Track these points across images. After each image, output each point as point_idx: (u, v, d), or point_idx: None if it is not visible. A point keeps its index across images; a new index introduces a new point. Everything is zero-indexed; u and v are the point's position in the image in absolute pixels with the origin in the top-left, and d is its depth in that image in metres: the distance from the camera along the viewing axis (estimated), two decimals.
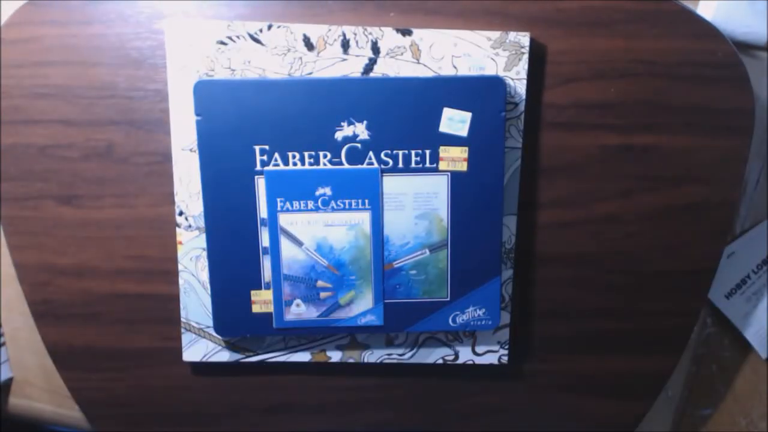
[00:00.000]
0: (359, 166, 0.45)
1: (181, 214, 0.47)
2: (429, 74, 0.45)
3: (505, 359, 0.50)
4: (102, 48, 0.45)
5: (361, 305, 0.47)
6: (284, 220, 0.46)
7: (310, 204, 0.45)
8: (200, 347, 0.49)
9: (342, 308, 0.47)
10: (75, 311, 0.49)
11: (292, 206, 0.45)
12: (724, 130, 0.48)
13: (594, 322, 0.50)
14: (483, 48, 0.45)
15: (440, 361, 0.51)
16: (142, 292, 0.49)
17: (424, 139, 0.44)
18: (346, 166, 0.45)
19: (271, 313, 0.47)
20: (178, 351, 0.49)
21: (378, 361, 0.50)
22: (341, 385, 0.51)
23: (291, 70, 0.45)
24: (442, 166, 0.44)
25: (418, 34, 0.45)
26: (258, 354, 0.49)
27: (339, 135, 0.45)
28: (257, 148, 0.45)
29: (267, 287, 0.47)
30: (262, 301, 0.47)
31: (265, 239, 0.46)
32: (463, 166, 0.43)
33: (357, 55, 0.45)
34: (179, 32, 0.45)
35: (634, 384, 0.52)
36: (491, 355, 0.50)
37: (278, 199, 0.45)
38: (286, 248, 0.46)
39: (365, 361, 0.50)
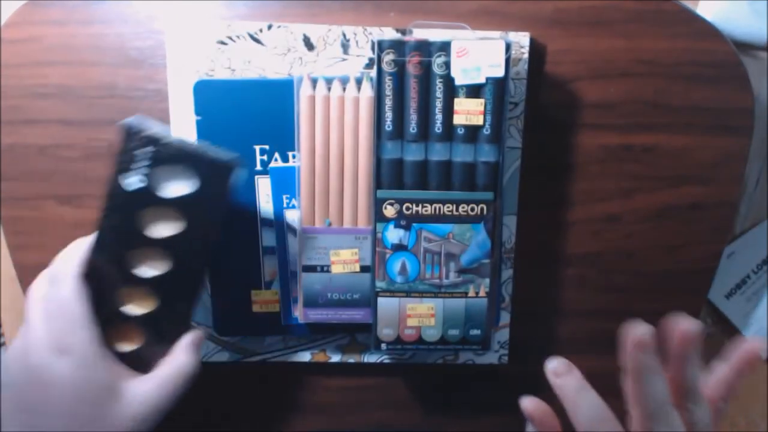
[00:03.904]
0: None
1: None
2: None
3: (505, 359, 0.50)
4: (102, 48, 0.45)
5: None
6: (290, 216, 0.46)
7: None
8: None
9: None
10: None
11: (298, 203, 0.45)
12: (724, 130, 0.48)
13: (594, 322, 0.50)
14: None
15: (440, 361, 0.51)
16: None
17: None
18: None
19: (271, 313, 0.48)
20: None
21: (378, 361, 0.50)
22: (341, 385, 0.51)
23: (291, 70, 0.45)
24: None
25: (418, 34, 0.45)
26: (258, 354, 0.49)
27: None
28: (257, 148, 0.45)
29: (267, 287, 0.47)
30: (262, 301, 0.47)
31: (265, 239, 0.46)
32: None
33: (357, 55, 0.45)
34: (179, 32, 0.45)
35: None
36: (491, 355, 0.50)
37: (284, 196, 0.45)
38: (293, 245, 0.46)
39: (365, 361, 0.50)
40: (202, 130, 0.45)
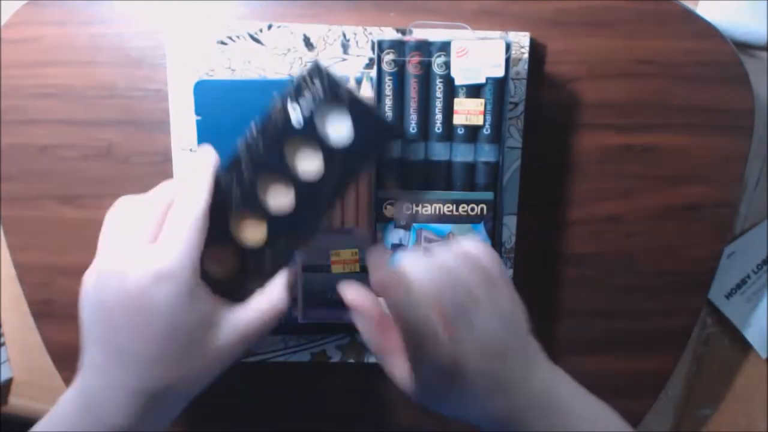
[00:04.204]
0: None
1: None
2: None
3: None
4: (102, 48, 0.45)
5: None
6: None
7: None
8: None
9: None
10: (75, 311, 0.48)
11: None
12: (724, 130, 0.48)
13: (594, 322, 0.50)
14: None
15: None
16: None
17: None
18: None
19: None
20: None
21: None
22: (341, 385, 0.51)
23: (291, 70, 0.45)
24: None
25: (418, 34, 0.45)
26: (258, 354, 0.49)
27: None
28: None
29: None
30: None
31: None
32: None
33: (357, 55, 0.45)
34: (179, 32, 0.45)
35: (634, 384, 0.52)
36: None
37: None
38: None
39: (365, 361, 0.50)
40: (202, 130, 0.45)
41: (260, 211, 0.38)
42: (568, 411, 0.37)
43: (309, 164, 0.38)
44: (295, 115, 0.37)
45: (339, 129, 0.38)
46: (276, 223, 0.38)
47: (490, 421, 0.36)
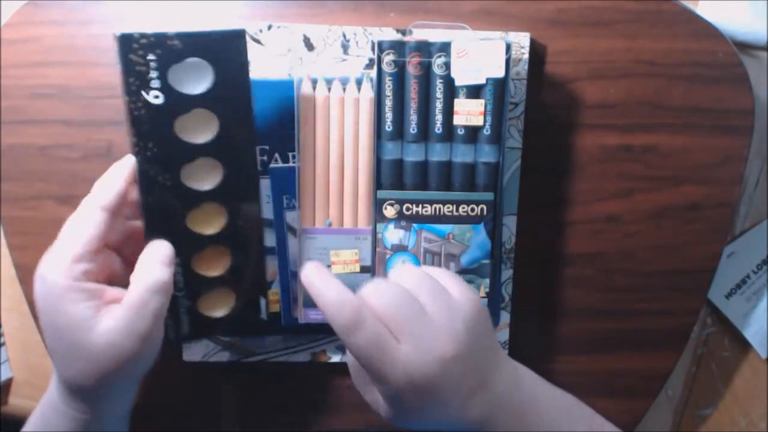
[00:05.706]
0: None
1: None
2: None
3: None
4: (102, 48, 0.45)
5: None
6: (290, 217, 0.46)
7: None
8: (200, 347, 0.49)
9: None
10: None
11: (297, 204, 0.45)
12: (724, 130, 0.48)
13: (594, 322, 0.50)
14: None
15: None
16: None
17: None
18: None
19: (271, 313, 0.47)
20: (179, 351, 0.49)
21: None
22: (341, 385, 0.51)
23: (291, 70, 0.45)
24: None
25: (418, 34, 0.45)
26: (258, 354, 0.49)
27: None
28: (257, 148, 0.45)
29: (269, 287, 0.47)
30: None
31: (268, 239, 0.46)
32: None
33: (357, 56, 0.45)
34: None
35: (633, 384, 0.52)
36: None
37: (284, 197, 0.45)
38: (294, 245, 0.46)
39: None
40: None
41: (202, 198, 0.38)
42: (535, 405, 0.37)
43: (203, 126, 0.37)
44: (152, 95, 0.36)
45: (196, 74, 0.36)
46: (222, 196, 0.38)
47: (467, 426, 0.36)
